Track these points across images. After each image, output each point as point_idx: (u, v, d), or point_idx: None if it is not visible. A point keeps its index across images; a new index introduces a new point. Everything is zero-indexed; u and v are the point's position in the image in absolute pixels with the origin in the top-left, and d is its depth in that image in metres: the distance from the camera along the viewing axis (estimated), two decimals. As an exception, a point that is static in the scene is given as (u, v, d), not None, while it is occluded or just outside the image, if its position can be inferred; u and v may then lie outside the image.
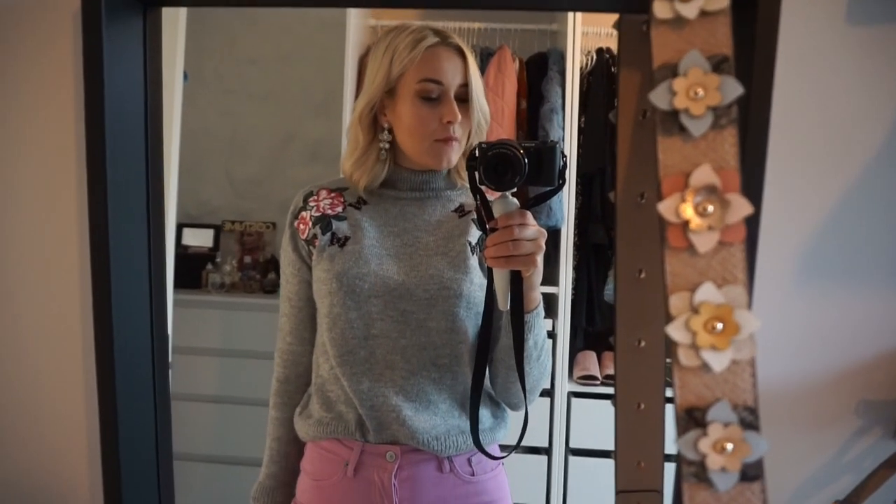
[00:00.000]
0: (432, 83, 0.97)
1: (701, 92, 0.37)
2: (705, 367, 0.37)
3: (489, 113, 1.03)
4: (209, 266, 2.78)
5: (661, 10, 0.39)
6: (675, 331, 0.37)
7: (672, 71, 0.38)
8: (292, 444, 1.07)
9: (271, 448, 1.08)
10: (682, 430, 0.37)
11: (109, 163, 0.48)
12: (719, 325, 0.36)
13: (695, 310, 0.37)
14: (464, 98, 0.99)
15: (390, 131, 1.02)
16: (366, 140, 1.03)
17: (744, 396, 0.37)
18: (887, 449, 0.63)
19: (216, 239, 2.91)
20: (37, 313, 0.67)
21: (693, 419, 0.37)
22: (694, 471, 0.37)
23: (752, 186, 0.40)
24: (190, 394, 2.48)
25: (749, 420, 0.36)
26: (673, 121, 0.38)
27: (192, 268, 2.77)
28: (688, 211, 0.37)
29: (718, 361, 0.37)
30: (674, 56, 0.38)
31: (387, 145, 1.02)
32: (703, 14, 0.38)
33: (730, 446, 0.36)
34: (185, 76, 1.67)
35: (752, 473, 0.36)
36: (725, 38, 0.38)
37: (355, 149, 1.04)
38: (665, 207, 0.37)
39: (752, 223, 0.38)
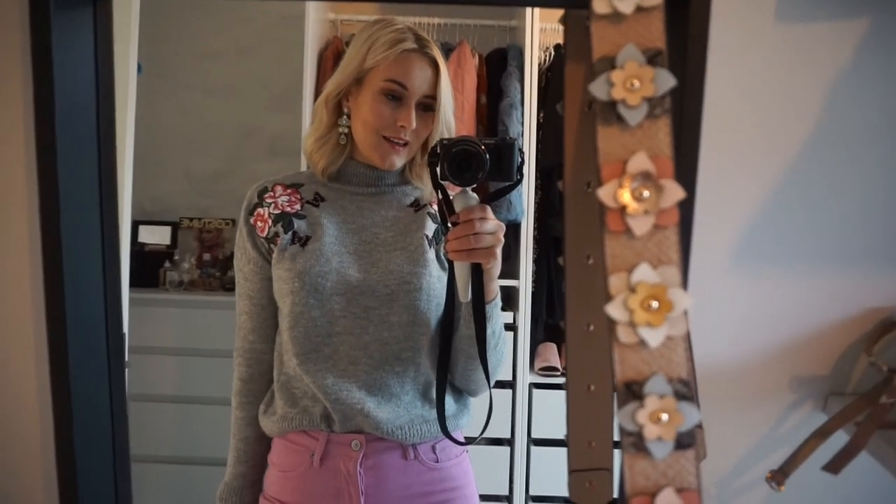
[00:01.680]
0: (398, 85, 0.98)
1: (637, 83, 0.39)
2: (642, 343, 0.39)
3: (454, 127, 1.05)
4: (167, 264, 2.73)
5: (599, 5, 0.41)
6: (614, 309, 0.39)
7: (610, 63, 0.40)
8: (259, 442, 1.07)
9: (238, 448, 1.07)
10: (621, 402, 0.40)
11: (60, 157, 0.47)
12: (655, 304, 0.39)
13: (632, 289, 0.39)
14: (427, 107, 1.00)
15: (349, 117, 1.03)
16: (329, 121, 1.04)
17: (678, 370, 0.39)
18: (818, 421, 0.68)
19: (174, 236, 2.86)
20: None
21: (632, 392, 0.39)
22: (633, 441, 0.39)
23: (686, 173, 0.43)
24: (148, 394, 2.44)
25: (683, 392, 0.39)
26: (611, 111, 0.40)
27: (149, 266, 2.71)
28: (625, 196, 0.39)
29: (654, 337, 0.39)
30: (612, 49, 0.40)
31: (346, 130, 1.03)
32: (639, 10, 0.40)
33: (665, 416, 0.38)
34: (140, 68, 1.64)
35: (685, 441, 0.39)
36: (659, 33, 0.40)
37: (318, 128, 1.05)
38: (604, 193, 0.39)
39: (687, 208, 0.40)
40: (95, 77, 0.50)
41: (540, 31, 2.22)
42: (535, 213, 2.23)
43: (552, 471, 2.22)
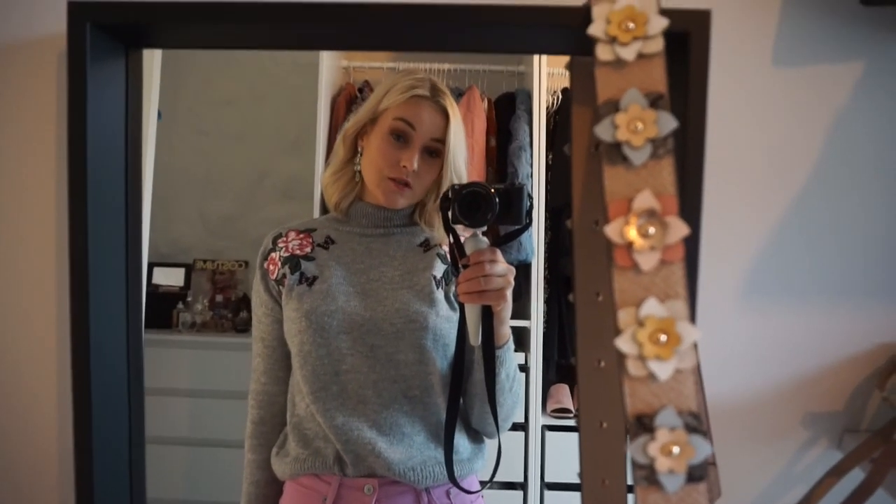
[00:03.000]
0: (405, 124, 1.02)
1: (640, 125, 0.41)
2: (652, 376, 0.40)
3: (464, 175, 1.07)
4: (180, 305, 2.76)
5: (603, 53, 0.43)
6: (623, 343, 0.40)
7: (614, 107, 0.42)
8: (270, 486, 1.07)
9: (249, 493, 1.07)
10: (632, 436, 0.40)
11: (90, 201, 0.49)
12: (663, 337, 0.39)
13: (640, 323, 0.40)
14: (434, 152, 1.03)
15: (361, 155, 1.07)
16: (345, 157, 1.08)
17: (688, 402, 0.40)
18: (833, 459, 0.67)
19: (187, 278, 2.89)
20: (13, 356, 0.67)
21: (642, 425, 0.40)
22: (644, 474, 0.39)
23: (691, 210, 0.44)
24: (160, 436, 2.43)
25: (693, 424, 0.39)
26: (616, 152, 0.42)
27: (163, 307, 2.74)
28: (632, 233, 0.40)
29: (663, 370, 0.40)
30: (615, 93, 0.42)
31: (359, 167, 1.07)
32: (641, 56, 0.42)
33: (676, 449, 0.39)
34: (160, 115, 1.70)
35: (697, 474, 0.39)
36: (661, 78, 0.42)
37: (335, 163, 1.10)
38: (611, 230, 0.41)
39: (692, 243, 0.42)
40: (125, 124, 0.52)
41: (548, 76, 2.27)
42: (545, 252, 2.24)
43: (566, 516, 2.17)
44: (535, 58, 2.25)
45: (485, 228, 0.92)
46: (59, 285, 0.58)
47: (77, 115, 0.48)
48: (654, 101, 0.41)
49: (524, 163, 2.20)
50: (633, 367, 0.40)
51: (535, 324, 2.19)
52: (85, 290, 0.50)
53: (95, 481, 0.53)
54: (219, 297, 2.86)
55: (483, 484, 1.05)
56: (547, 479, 2.19)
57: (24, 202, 0.62)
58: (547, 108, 2.30)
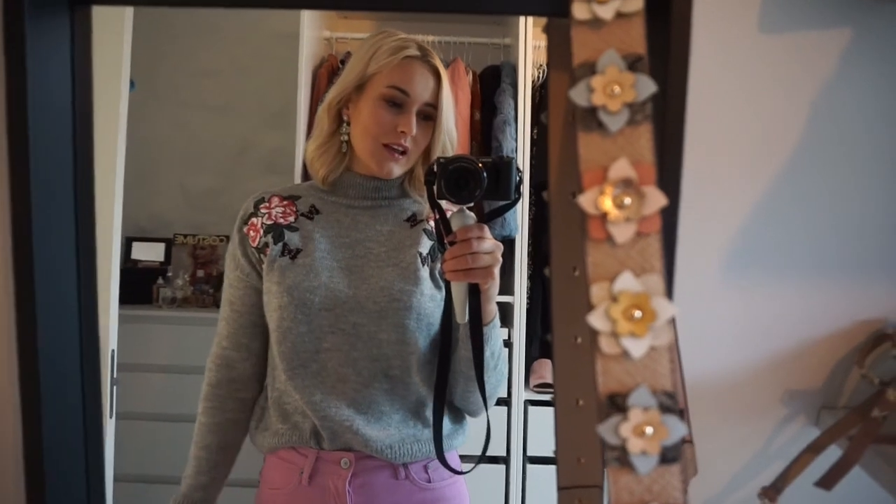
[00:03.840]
0: (399, 91, 0.98)
1: (617, 89, 0.38)
2: (625, 354, 0.38)
3: (456, 138, 1.04)
4: (160, 280, 2.72)
5: (579, 11, 0.40)
6: (596, 319, 0.38)
7: (591, 69, 0.39)
8: (221, 452, 1.05)
9: (198, 457, 1.04)
10: (604, 415, 0.38)
11: (33, 170, 0.46)
12: (637, 313, 0.38)
13: (614, 298, 0.38)
14: (427, 116, 1.00)
15: (349, 125, 1.03)
16: (329, 129, 1.04)
17: (662, 381, 0.38)
18: (811, 435, 0.66)
19: (167, 253, 2.85)
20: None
21: (615, 405, 0.38)
22: (616, 455, 0.38)
23: (670, 180, 0.42)
24: (140, 412, 2.41)
25: (668, 404, 0.38)
26: (592, 117, 0.39)
27: (143, 283, 2.70)
28: (606, 203, 0.38)
29: (637, 348, 0.38)
30: (592, 55, 0.39)
31: (346, 137, 1.03)
32: (619, 15, 0.40)
33: (649, 430, 0.37)
34: (132, 84, 1.64)
35: (670, 456, 0.38)
36: (640, 38, 0.40)
37: (319, 135, 1.05)
38: (585, 200, 0.38)
39: (670, 215, 0.39)
40: (72, 90, 0.49)
41: (533, 49, 2.23)
42: (529, 228, 2.23)
43: (548, 489, 2.19)
44: (521, 30, 2.21)
45: (472, 204, 0.89)
46: (5, 267, 0.55)
47: (16, 80, 0.45)
48: (633, 64, 0.39)
49: (509, 137, 2.17)
50: (605, 345, 0.38)
51: (519, 299, 2.18)
52: (30, 270, 0.47)
53: (46, 462, 0.51)
54: (200, 273, 2.83)
55: (467, 459, 1.04)
56: (529, 454, 2.21)
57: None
58: (532, 81, 2.26)
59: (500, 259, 0.90)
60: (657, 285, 0.38)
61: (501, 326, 1.01)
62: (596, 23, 0.40)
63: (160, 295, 2.68)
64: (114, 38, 1.45)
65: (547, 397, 2.22)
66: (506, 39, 2.44)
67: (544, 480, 2.19)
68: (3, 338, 0.62)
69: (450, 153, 1.03)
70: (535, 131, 2.25)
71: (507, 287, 2.20)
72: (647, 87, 0.39)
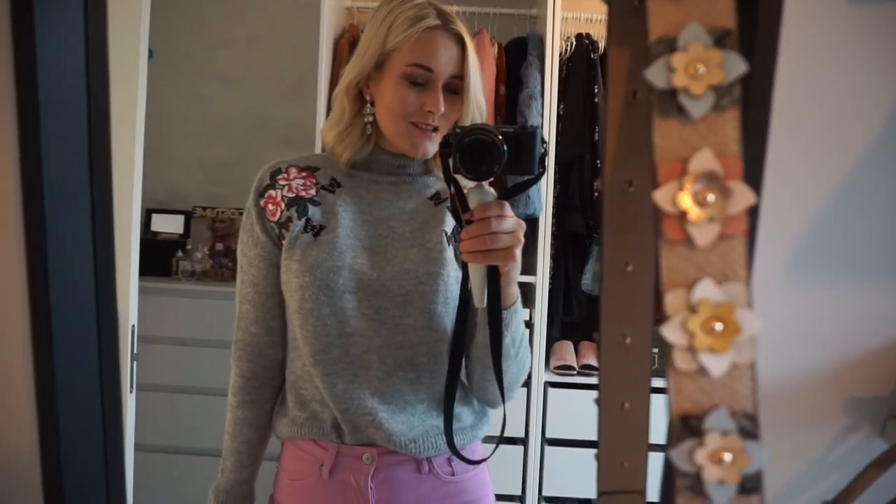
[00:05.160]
0: (422, 69, 0.90)
1: (702, 69, 0.34)
2: (702, 371, 0.34)
3: (485, 109, 0.97)
4: (179, 253, 2.71)
5: (658, -22, 0.35)
6: (671, 332, 0.33)
7: (670, 45, 0.34)
8: (261, 443, 1.02)
9: (240, 451, 1.00)
10: (676, 439, 0.34)
11: (45, 144, 0.43)
12: (718, 326, 0.33)
13: (692, 309, 0.33)
14: (454, 89, 0.92)
15: (372, 104, 0.96)
16: (351, 112, 0.96)
17: (743, 403, 0.34)
18: (875, 447, 0.62)
19: (187, 225, 2.83)
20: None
21: (688, 427, 0.34)
22: (689, 483, 0.34)
23: (752, 174, 0.37)
24: (160, 384, 2.42)
25: (749, 428, 0.34)
26: (670, 101, 0.34)
27: (162, 255, 2.69)
28: (686, 200, 0.33)
29: (717, 365, 0.34)
30: (672, 29, 0.34)
31: (371, 118, 0.96)
32: (705, -17, 0.35)
33: (728, 457, 0.33)
34: (151, 53, 1.60)
35: (750, 486, 0.34)
36: (728, 10, 0.34)
37: (340, 120, 0.97)
38: (661, 196, 0.34)
39: (752, 214, 0.35)
40: (86, 60, 0.45)
41: (561, 20, 2.15)
42: (553, 207, 2.17)
43: (566, 471, 2.17)
44: (549, 1, 2.13)
45: (491, 179, 0.83)
46: (19, 246, 0.52)
47: (25, 49, 0.41)
48: (720, 39, 0.34)
49: (535, 112, 2.10)
50: (680, 360, 0.33)
51: (541, 280, 2.14)
52: (42, 240, 0.44)
53: (62, 434, 0.49)
54: (219, 246, 2.81)
55: (489, 445, 1.01)
56: (548, 435, 2.19)
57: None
58: (560, 54, 2.19)
59: (522, 239, 0.83)
60: (742, 295, 0.34)
61: (523, 307, 0.95)
62: (677, -8, 0.35)
63: (180, 268, 2.67)
64: (132, 7, 1.41)
65: (567, 380, 2.19)
66: (532, 10, 2.36)
67: (562, 462, 2.17)
68: (17, 313, 0.60)
69: (477, 121, 0.96)
70: (562, 106, 2.18)
71: (529, 267, 2.15)
72: (737, 66, 0.34)
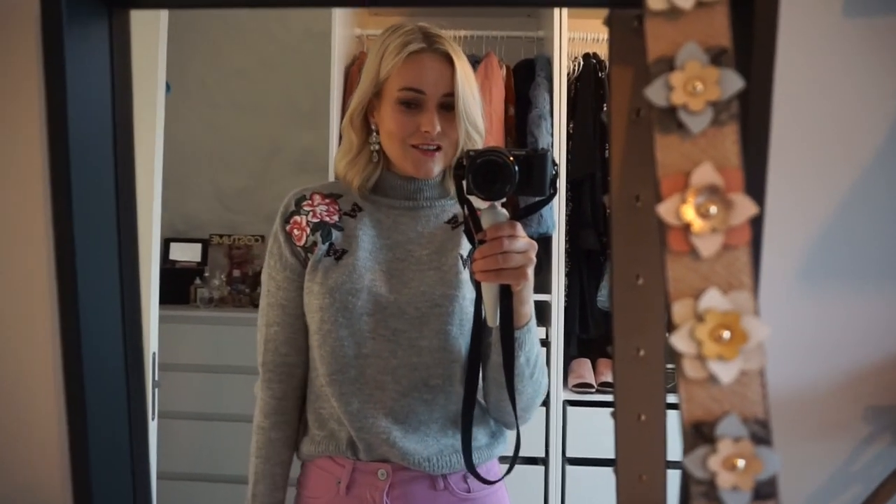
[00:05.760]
0: (413, 92, 0.94)
1: (700, 86, 0.35)
2: (712, 378, 0.35)
3: (482, 124, 0.99)
4: (197, 281, 2.74)
5: (655, 1, 0.36)
6: (679, 341, 0.34)
7: (668, 65, 0.36)
8: (290, 465, 1.03)
9: (274, 474, 0.99)
10: (689, 446, 0.35)
11: (74, 174, 0.45)
12: (726, 334, 0.34)
13: (699, 318, 0.34)
14: (450, 107, 0.95)
15: (377, 132, 1.00)
16: (358, 141, 1.00)
17: (754, 409, 0.34)
18: (897, 456, 0.61)
19: (204, 253, 2.87)
20: (3, 333, 0.64)
21: (701, 434, 0.35)
22: (703, 490, 0.34)
23: (755, 185, 0.38)
24: (179, 411, 2.44)
25: (761, 434, 0.34)
26: (670, 118, 0.36)
27: (180, 283, 2.73)
28: (689, 213, 0.35)
29: (726, 372, 0.34)
30: (670, 49, 0.36)
31: (377, 146, 1.00)
32: (700, 4, 0.36)
33: (741, 463, 0.34)
34: (168, 87, 1.65)
35: (765, 491, 0.34)
36: (724, 29, 0.36)
37: (349, 150, 1.01)
38: (665, 209, 0.35)
39: (756, 224, 0.36)
40: (111, 92, 0.47)
41: (568, 41, 2.18)
42: (566, 225, 2.18)
43: (588, 490, 2.15)
44: (556, 22, 2.16)
45: (503, 200, 0.85)
46: (48, 272, 0.54)
47: (55, 83, 0.43)
48: (716, 57, 0.35)
49: (544, 132, 2.12)
50: (690, 369, 0.34)
51: (557, 298, 2.14)
52: (73, 273, 0.46)
53: (92, 467, 0.50)
54: (236, 272, 2.85)
55: (504, 460, 1.01)
56: (568, 455, 2.17)
57: (6, 178, 0.58)
58: (568, 74, 2.21)
59: (534, 259, 0.84)
60: (747, 303, 0.34)
61: (539, 325, 0.96)
62: (673, 13, 0.36)
63: (198, 295, 2.70)
64: (149, 40, 1.45)
65: (586, 398, 2.18)
66: (539, 32, 2.39)
67: (584, 481, 2.15)
68: (47, 344, 0.62)
69: (476, 140, 0.98)
70: (571, 125, 2.20)
71: (544, 285, 2.16)
72: (734, 83, 0.35)
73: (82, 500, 0.52)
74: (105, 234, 0.49)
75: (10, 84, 0.55)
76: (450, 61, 0.95)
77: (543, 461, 2.18)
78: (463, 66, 0.96)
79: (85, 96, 0.44)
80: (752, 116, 0.40)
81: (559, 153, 2.14)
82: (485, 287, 0.86)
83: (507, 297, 0.86)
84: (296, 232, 0.99)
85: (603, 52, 2.27)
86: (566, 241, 2.19)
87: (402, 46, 0.94)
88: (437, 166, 0.97)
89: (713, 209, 0.35)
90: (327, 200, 1.01)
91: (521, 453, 0.95)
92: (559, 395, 2.15)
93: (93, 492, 0.52)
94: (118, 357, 0.53)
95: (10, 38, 0.55)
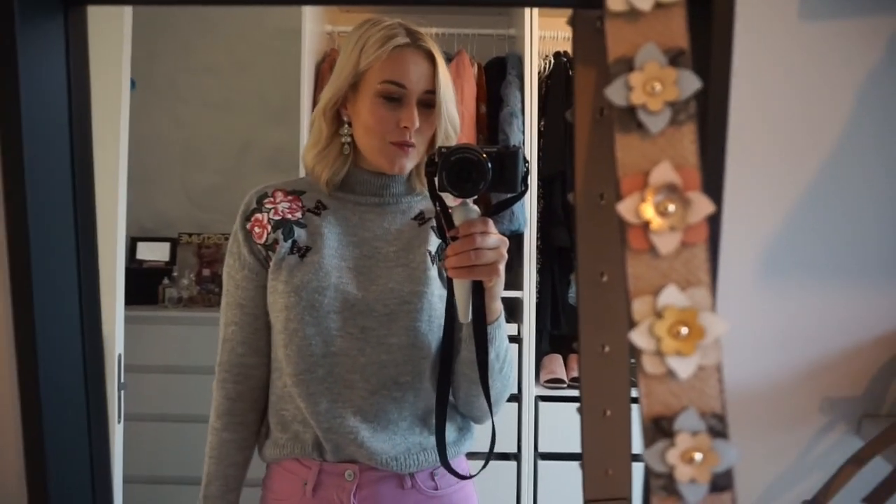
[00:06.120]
0: (395, 86, 0.93)
1: (658, 86, 0.35)
2: (671, 374, 0.35)
3: (459, 124, 0.99)
4: (165, 280, 2.70)
5: (614, 3, 0.37)
6: (638, 337, 0.35)
7: (628, 65, 0.36)
8: (247, 465, 1.02)
9: (227, 475, 0.99)
10: (648, 440, 0.36)
11: (28, 171, 0.44)
12: (684, 330, 0.35)
13: (658, 314, 0.35)
14: (429, 104, 0.95)
15: (350, 125, 0.99)
16: (328, 132, 0.99)
17: (711, 403, 0.35)
18: (852, 445, 0.63)
19: (173, 252, 2.82)
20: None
21: (660, 429, 0.35)
22: (662, 483, 0.35)
23: (712, 184, 0.39)
24: (146, 413, 2.40)
25: (718, 428, 0.35)
26: (630, 117, 0.36)
27: (148, 283, 2.68)
28: (648, 211, 0.35)
29: (684, 368, 0.35)
30: (629, 50, 0.36)
31: (348, 139, 0.98)
32: (658, 6, 0.37)
33: (698, 456, 0.34)
34: (133, 83, 1.61)
35: (721, 483, 0.35)
36: (681, 31, 0.36)
37: (318, 141, 1.00)
38: (625, 208, 0.35)
39: (714, 223, 0.36)
40: (68, 90, 0.46)
41: (539, 40, 2.19)
42: (537, 222, 2.20)
43: (560, 485, 2.17)
44: (527, 21, 2.17)
45: (476, 197, 0.85)
46: (2, 270, 0.52)
47: (8, 86, 0.42)
48: (674, 59, 0.36)
49: (516, 130, 2.14)
50: (649, 364, 0.35)
51: (528, 294, 2.16)
52: (27, 274, 0.45)
53: (49, 469, 0.49)
54: (206, 272, 2.80)
55: (474, 457, 1.01)
56: (540, 450, 2.19)
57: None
58: (539, 72, 2.23)
59: (506, 255, 0.85)
60: (705, 299, 0.35)
61: (511, 322, 0.97)
62: (632, 14, 0.37)
63: (166, 295, 2.66)
64: (113, 37, 1.42)
65: (558, 393, 2.20)
66: (511, 30, 2.40)
67: (556, 477, 2.17)
68: (2, 346, 0.60)
69: (452, 138, 0.98)
70: (543, 123, 2.22)
71: (516, 282, 2.17)
72: (691, 83, 0.36)
73: (39, 500, 0.51)
74: (62, 233, 0.48)
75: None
76: (432, 59, 0.95)
77: (516, 456, 2.20)
78: (443, 66, 0.96)
79: (40, 94, 0.43)
80: (709, 116, 0.40)
81: (531, 151, 2.15)
82: (457, 283, 0.86)
83: (479, 294, 0.87)
84: (256, 230, 0.98)
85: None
86: (538, 238, 2.20)
87: (385, 40, 0.93)
88: (410, 163, 0.97)
89: (671, 207, 0.35)
90: (290, 197, 1.00)
91: (494, 448, 0.96)
92: (531, 390, 2.17)
93: (50, 496, 0.51)
94: (76, 359, 0.52)
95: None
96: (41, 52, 0.43)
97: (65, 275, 0.47)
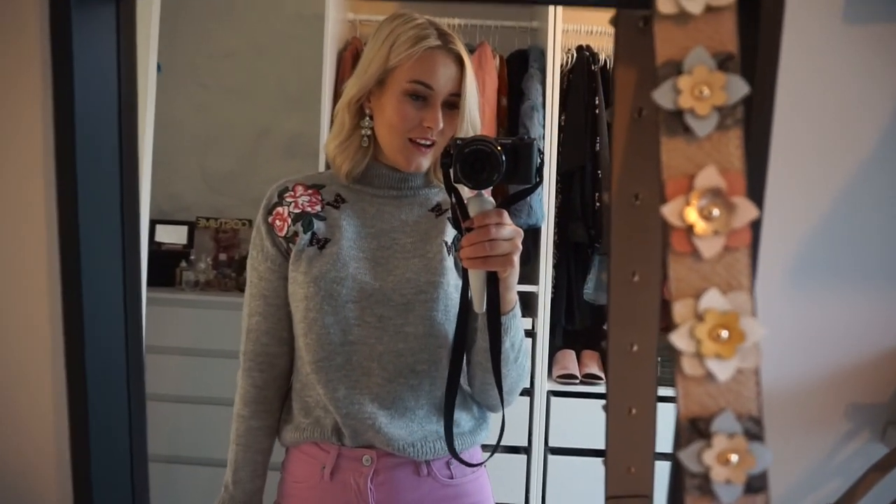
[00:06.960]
0: (423, 86, 0.94)
1: (707, 91, 0.36)
2: (709, 376, 0.36)
3: (479, 126, 1.00)
4: (183, 263, 2.72)
5: (665, 5, 0.37)
6: (679, 339, 0.35)
7: (676, 68, 0.36)
8: (271, 452, 1.04)
9: (255, 461, 1.01)
10: (685, 440, 0.36)
11: (80, 158, 0.45)
12: (724, 333, 0.35)
13: (699, 317, 0.35)
14: (453, 105, 0.96)
15: (371, 118, 1.00)
16: (350, 125, 1.00)
17: (748, 406, 0.36)
18: (876, 452, 0.63)
19: (190, 236, 2.85)
20: (1, 316, 0.64)
21: (696, 430, 0.36)
22: (697, 483, 0.36)
23: (754, 189, 0.39)
24: (163, 394, 2.43)
25: (754, 431, 0.35)
26: (677, 121, 0.36)
27: (166, 265, 2.70)
28: (692, 215, 0.35)
29: (723, 370, 0.35)
30: (678, 53, 0.37)
31: (369, 132, 1.00)
32: (709, 10, 0.37)
33: (734, 458, 0.35)
34: (159, 67, 1.63)
35: (756, 485, 0.35)
36: (731, 35, 0.37)
37: (340, 132, 1.01)
38: (669, 211, 0.36)
39: (755, 227, 0.37)
40: (118, 77, 0.47)
41: (562, 33, 2.18)
42: (555, 217, 2.20)
43: (569, 480, 2.18)
44: (550, 14, 2.16)
45: (490, 188, 0.86)
46: (49, 249, 0.54)
47: (62, 72, 0.43)
48: (723, 63, 0.36)
49: (536, 124, 2.13)
50: (688, 366, 0.35)
51: (543, 289, 2.16)
52: (76, 251, 0.46)
53: (92, 443, 0.51)
54: (222, 256, 2.83)
55: (487, 449, 1.03)
56: (551, 444, 2.19)
57: (9, 162, 0.57)
58: (561, 66, 2.21)
59: (520, 246, 0.86)
60: (746, 304, 0.35)
61: (525, 316, 0.98)
62: (682, 17, 0.37)
63: (183, 278, 2.68)
64: (142, 22, 1.43)
65: (570, 388, 2.21)
66: (534, 23, 2.39)
67: (565, 471, 2.18)
68: (45, 328, 0.61)
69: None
70: (563, 117, 2.21)
71: (531, 276, 2.17)
72: (739, 88, 0.36)
73: (82, 479, 0.52)
74: (108, 215, 0.49)
75: (11, 70, 0.54)
76: (460, 62, 0.97)
77: (526, 450, 2.21)
78: (470, 69, 0.98)
79: (91, 81, 0.44)
80: (754, 121, 0.40)
81: (550, 145, 2.15)
82: (472, 274, 0.87)
83: (493, 284, 0.88)
84: (278, 223, 1.00)
85: (596, 44, 2.28)
86: (555, 232, 2.20)
87: (417, 40, 0.94)
88: (426, 162, 0.99)
89: (716, 212, 0.36)
90: (310, 191, 1.02)
91: (505, 442, 0.96)
92: (543, 385, 2.18)
93: (91, 470, 0.52)
94: (119, 336, 0.53)
95: (13, 24, 0.54)
96: (94, 37, 0.44)
97: (111, 256, 0.49)
